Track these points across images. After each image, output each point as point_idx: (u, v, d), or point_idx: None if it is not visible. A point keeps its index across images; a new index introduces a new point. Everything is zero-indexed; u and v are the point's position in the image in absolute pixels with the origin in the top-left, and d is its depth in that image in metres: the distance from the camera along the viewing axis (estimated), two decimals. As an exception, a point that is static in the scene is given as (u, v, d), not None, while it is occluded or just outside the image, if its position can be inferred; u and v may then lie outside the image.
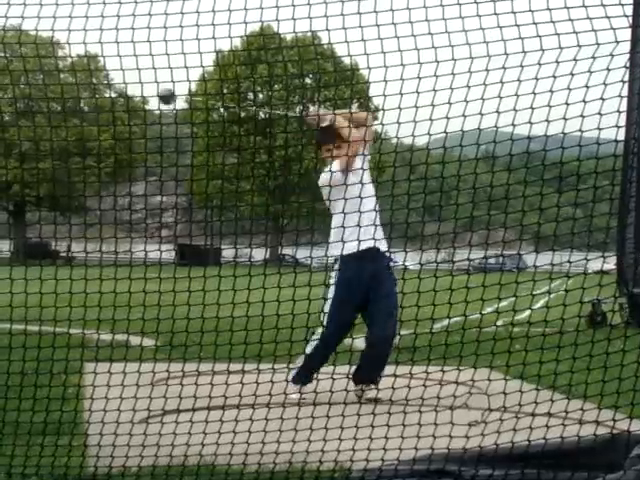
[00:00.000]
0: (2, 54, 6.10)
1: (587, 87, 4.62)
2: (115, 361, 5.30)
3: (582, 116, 4.65)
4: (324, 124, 7.50)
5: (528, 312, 5.45)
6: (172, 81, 5.00)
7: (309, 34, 5.85)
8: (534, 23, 4.62)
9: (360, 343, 7.81)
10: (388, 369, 5.29)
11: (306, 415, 5.06)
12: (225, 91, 6.46)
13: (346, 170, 7.19)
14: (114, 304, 5.30)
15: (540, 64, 4.64)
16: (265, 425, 4.99)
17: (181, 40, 4.94)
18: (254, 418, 5.04)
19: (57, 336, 5.49)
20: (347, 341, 7.56)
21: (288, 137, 6.06)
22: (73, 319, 5.34)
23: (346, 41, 4.88)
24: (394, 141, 5.40)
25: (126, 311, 5.35)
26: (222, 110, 8.30)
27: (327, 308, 7.37)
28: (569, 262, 5.15)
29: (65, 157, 5.94)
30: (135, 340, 6.63)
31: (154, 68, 4.98)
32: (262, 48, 5.68)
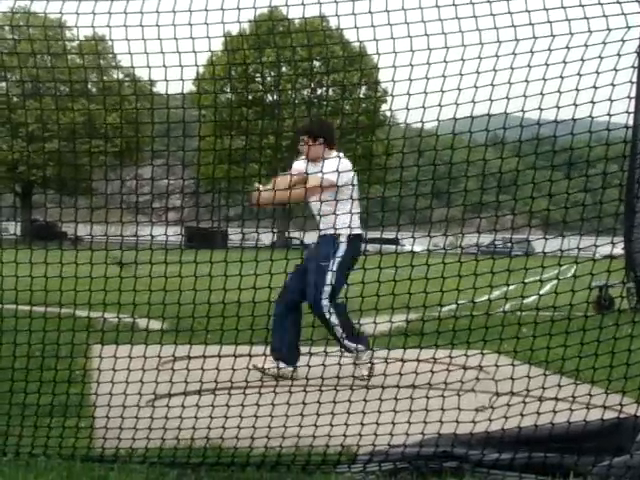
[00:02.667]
0: (10, 35, 6.08)
1: (598, 73, 4.60)
2: (121, 344, 5.31)
3: (592, 102, 4.63)
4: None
5: (536, 297, 5.45)
6: (180, 65, 4.99)
7: (317, 18, 5.82)
8: (545, 9, 4.60)
9: (369, 328, 7.83)
10: (396, 353, 5.28)
11: (313, 399, 5.07)
12: (233, 74, 6.44)
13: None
14: (120, 287, 5.30)
15: (550, 50, 4.62)
16: (272, 408, 4.99)
17: (190, 25, 4.92)
18: (260, 402, 5.04)
19: (63, 319, 5.49)
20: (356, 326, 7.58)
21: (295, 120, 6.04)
22: (79, 302, 5.34)
23: (355, 27, 4.88)
24: (403, 126, 5.39)
25: (132, 294, 5.35)
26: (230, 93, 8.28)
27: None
28: (578, 248, 5.14)
29: (72, 139, 5.93)
30: (142, 323, 6.63)
31: (162, 52, 4.97)
32: (270, 32, 5.66)
